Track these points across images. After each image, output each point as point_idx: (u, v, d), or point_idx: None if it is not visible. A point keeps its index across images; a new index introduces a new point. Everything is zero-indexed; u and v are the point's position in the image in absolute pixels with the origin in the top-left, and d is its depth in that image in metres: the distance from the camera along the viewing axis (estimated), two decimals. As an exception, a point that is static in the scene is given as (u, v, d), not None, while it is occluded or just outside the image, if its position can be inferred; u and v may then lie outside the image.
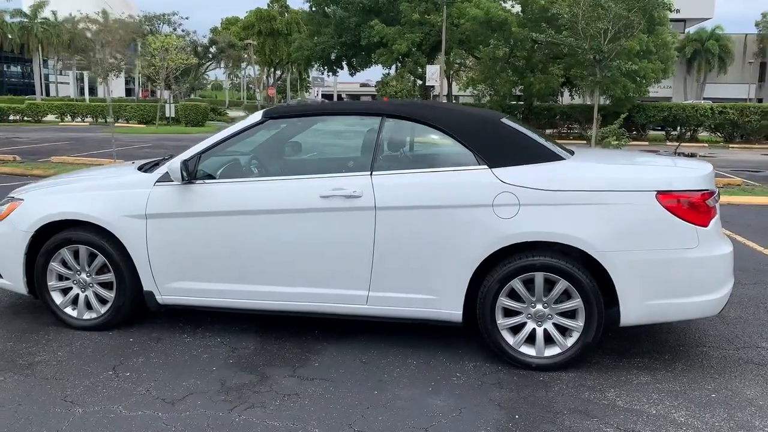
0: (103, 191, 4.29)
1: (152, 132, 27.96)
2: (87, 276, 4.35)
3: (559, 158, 3.95)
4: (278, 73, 56.89)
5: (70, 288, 4.40)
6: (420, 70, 30.69)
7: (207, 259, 4.13)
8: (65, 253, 4.32)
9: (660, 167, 3.99)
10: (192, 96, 53.56)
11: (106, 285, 4.35)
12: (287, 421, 3.22)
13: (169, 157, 4.93)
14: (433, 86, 29.63)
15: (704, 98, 51.98)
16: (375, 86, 67.57)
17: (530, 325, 3.84)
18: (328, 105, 4.51)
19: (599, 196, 3.69)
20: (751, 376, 3.79)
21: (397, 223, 3.86)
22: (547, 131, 32.34)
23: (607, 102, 32.17)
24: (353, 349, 4.12)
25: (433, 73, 28.38)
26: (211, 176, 4.21)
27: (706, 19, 52.23)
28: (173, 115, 30.91)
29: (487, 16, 26.51)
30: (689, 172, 3.81)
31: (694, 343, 4.28)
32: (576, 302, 3.74)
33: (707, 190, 3.74)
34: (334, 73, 37.03)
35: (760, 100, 50.48)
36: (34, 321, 4.56)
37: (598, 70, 20.62)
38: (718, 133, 30.29)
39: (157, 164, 4.67)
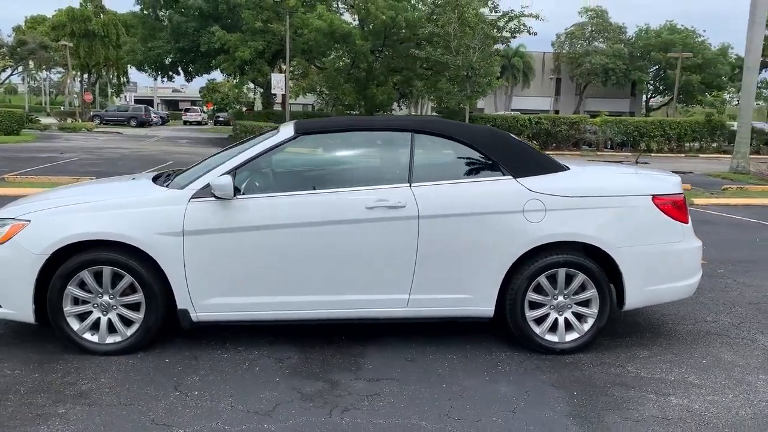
0: (131, 209, 4.14)
1: (-38, 142, 24.93)
2: (110, 298, 4.17)
3: (564, 169, 4.55)
4: (93, 77, 52.98)
5: (89, 312, 4.19)
6: (261, 78, 30.50)
7: (250, 273, 4.17)
8: (85, 275, 4.11)
9: (649, 175, 4.74)
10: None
11: (131, 306, 4.21)
12: (390, 418, 3.45)
13: (173, 173, 4.86)
14: (275, 94, 29.65)
15: (512, 110, 57.26)
16: (200, 92, 65.57)
17: (553, 315, 4.39)
18: (359, 120, 4.72)
19: (609, 200, 4.35)
20: (718, 344, 4.66)
21: (437, 230, 4.22)
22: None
23: (435, 113, 34.30)
24: (391, 350, 4.39)
25: (279, 81, 28.42)
26: (237, 190, 4.24)
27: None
28: (-17, 122, 27.79)
29: (331, 28, 27.16)
30: (671, 179, 4.60)
31: (659, 323, 5.11)
32: (591, 292, 4.35)
33: (683, 193, 4.56)
34: (170, 78, 35.53)
35: (557, 112, 56.59)
36: (40, 350, 4.26)
37: (468, 85, 22.08)
38: (535, 141, 33.61)
39: (169, 177, 4.61)
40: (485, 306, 4.34)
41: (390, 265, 4.24)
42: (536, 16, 24.40)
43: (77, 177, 14.16)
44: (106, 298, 4.17)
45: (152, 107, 65.72)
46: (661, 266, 4.43)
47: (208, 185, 4.15)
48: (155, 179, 4.69)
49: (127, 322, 4.22)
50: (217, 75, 41.80)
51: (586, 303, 4.40)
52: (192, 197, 4.15)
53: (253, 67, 29.74)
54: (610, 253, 4.31)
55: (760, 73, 38.24)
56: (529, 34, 25.83)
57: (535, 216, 4.25)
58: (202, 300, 4.18)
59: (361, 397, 3.69)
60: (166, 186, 4.42)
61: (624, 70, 55.16)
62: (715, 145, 33.71)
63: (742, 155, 19.67)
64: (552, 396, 3.77)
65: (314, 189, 4.31)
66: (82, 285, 4.15)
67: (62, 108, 58.28)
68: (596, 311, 4.38)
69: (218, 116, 60.56)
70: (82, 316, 4.20)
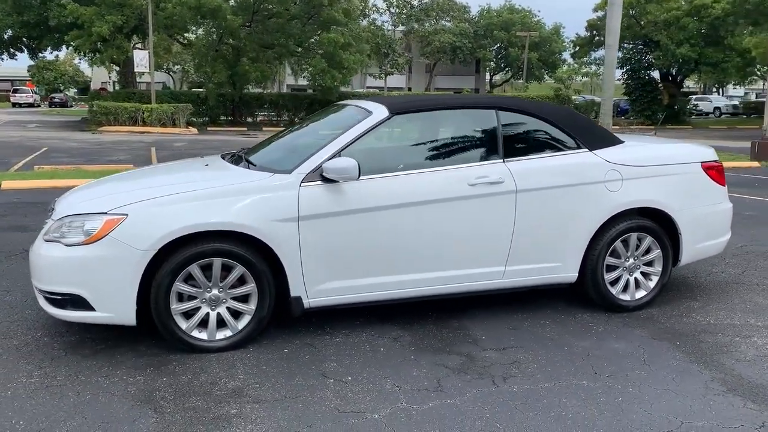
0: (242, 197, 3.92)
1: None
2: (219, 291, 3.94)
3: (621, 141, 4.92)
4: None
5: (197, 308, 3.94)
6: (120, 55, 28.42)
7: (361, 254, 4.14)
8: (194, 269, 3.85)
9: (693, 145, 5.25)
10: None
11: (239, 298, 4.01)
12: (552, 382, 3.63)
13: (236, 155, 4.74)
14: (141, 73, 27.87)
15: (367, 87, 58.15)
16: (29, 71, 59.71)
17: (625, 276, 4.78)
18: (446, 98, 4.72)
19: (669, 168, 4.79)
20: (744, 291, 5.32)
21: (532, 203, 4.43)
22: (258, 119, 33.03)
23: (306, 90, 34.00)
24: (486, 321, 4.55)
25: (142, 58, 26.70)
26: None
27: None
28: None
29: (198, 2, 25.90)
30: (709, 149, 5.14)
31: (682, 277, 5.70)
32: (656, 253, 4.80)
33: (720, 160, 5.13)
34: (11, 56, 31.86)
35: (410, 89, 58.25)
36: (139, 353, 3.93)
37: (387, 61, 22.01)
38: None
39: (239, 160, 4.57)
40: (570, 272, 4.63)
41: (490, 239, 4.39)
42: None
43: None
44: (215, 291, 3.94)
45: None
46: (708, 225, 4.97)
47: (317, 168, 4.04)
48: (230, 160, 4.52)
49: (235, 315, 4.02)
50: (51, 52, 38.01)
51: (650, 263, 4.83)
52: (302, 181, 4.02)
53: (111, 43, 27.63)
54: (673, 216, 4.76)
55: (597, 50, 42.02)
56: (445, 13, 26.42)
57: (615, 185, 4.59)
58: (315, 285, 4.09)
59: (506, 366, 3.84)
60: (249, 169, 4.30)
61: (470, 48, 57.91)
62: (563, 117, 36.63)
63: (607, 126, 21.64)
64: (662, 347, 4.15)
65: (413, 168, 4.32)
66: (187, 280, 3.89)
67: None
68: (660, 269, 4.83)
69: (53, 97, 55.49)
70: (187, 314, 3.94)
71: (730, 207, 5.16)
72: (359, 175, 3.99)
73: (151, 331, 4.04)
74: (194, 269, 3.85)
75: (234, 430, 3.09)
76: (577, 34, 42.78)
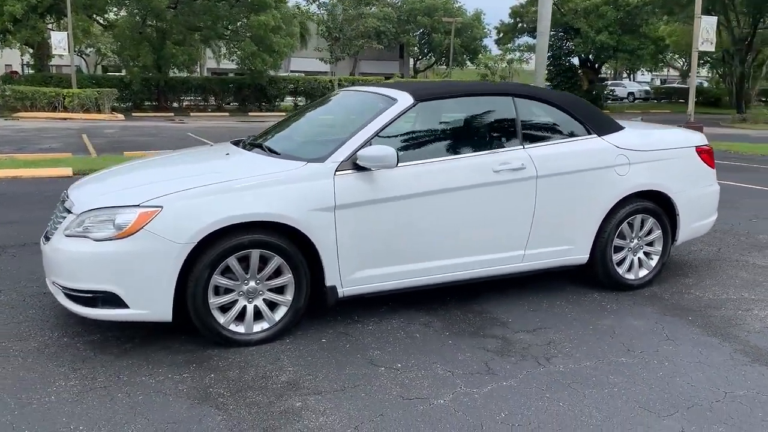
0: (277, 187, 3.83)
1: None
2: (256, 283, 3.85)
3: (623, 128, 5.11)
4: None
5: (234, 302, 3.83)
6: (35, 37, 26.80)
7: (393, 242, 4.14)
8: (232, 261, 3.75)
9: (684, 130, 5.50)
10: None
11: (275, 290, 3.94)
12: (593, 360, 3.77)
13: (247, 141, 4.71)
14: (60, 56, 26.43)
15: (291, 71, 57.41)
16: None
17: (630, 257, 5.00)
18: (466, 85, 4.71)
19: (669, 152, 5.03)
20: (727, 267, 5.66)
21: (551, 188, 4.55)
22: (185, 104, 31.99)
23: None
24: (506, 304, 4.66)
25: (60, 41, 25.30)
26: None
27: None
28: None
29: (121, -18, 24.77)
30: (699, 133, 5.41)
31: (678, 255, 5.96)
32: (657, 233, 5.04)
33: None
34: None
35: (333, 74, 57.91)
36: (174, 350, 3.80)
37: (337, 47, 21.58)
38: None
39: (254, 146, 4.58)
40: (582, 254, 4.80)
41: (513, 224, 4.49)
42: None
43: None
44: (252, 283, 3.85)
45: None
46: (701, 206, 5.26)
47: (350, 157, 4.00)
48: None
49: (271, 307, 3.95)
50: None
51: (651, 243, 5.07)
52: (337, 170, 3.97)
53: (24, 24, 26.02)
54: (673, 198, 5.01)
55: (521, 37, 43.02)
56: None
57: (623, 170, 4.78)
58: (350, 274, 4.06)
59: (544, 347, 3.95)
60: (273, 157, 4.24)
61: (394, 33, 58.02)
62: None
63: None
64: (677, 323, 4.37)
65: (440, 156, 4.35)
66: (224, 273, 3.78)
67: None
68: (660, 249, 5.08)
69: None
70: (223, 308, 3.83)
71: (718, 188, 5.47)
72: (397, 163, 3.97)
73: (178, 327, 3.91)
74: (232, 261, 3.75)
75: (306, 422, 3.05)
76: (501, 20, 43.65)
